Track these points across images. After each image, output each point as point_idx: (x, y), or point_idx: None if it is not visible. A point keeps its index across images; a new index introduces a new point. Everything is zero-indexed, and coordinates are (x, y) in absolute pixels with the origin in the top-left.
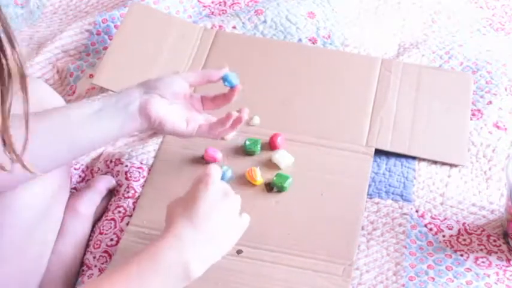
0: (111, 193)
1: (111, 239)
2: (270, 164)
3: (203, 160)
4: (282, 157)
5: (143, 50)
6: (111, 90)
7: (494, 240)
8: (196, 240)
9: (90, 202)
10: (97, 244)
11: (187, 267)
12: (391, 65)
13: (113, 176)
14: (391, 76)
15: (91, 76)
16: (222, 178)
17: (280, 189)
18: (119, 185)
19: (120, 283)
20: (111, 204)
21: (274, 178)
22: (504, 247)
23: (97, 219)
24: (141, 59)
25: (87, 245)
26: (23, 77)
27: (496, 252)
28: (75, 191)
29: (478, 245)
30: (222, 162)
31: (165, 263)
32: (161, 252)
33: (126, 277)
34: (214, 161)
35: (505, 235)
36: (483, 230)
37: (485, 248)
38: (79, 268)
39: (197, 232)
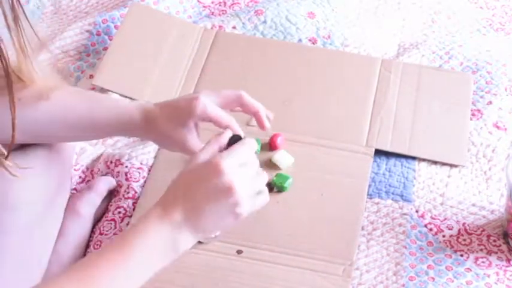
0: (112, 194)
1: (112, 240)
2: (270, 164)
3: None
4: (282, 157)
5: (143, 50)
6: (111, 91)
7: (494, 241)
8: (187, 227)
9: (90, 203)
10: (97, 244)
11: (176, 247)
12: (391, 65)
13: (113, 177)
14: (391, 76)
15: (91, 77)
16: None
17: (281, 189)
18: (119, 185)
19: (104, 265)
20: (111, 205)
21: (274, 178)
22: (504, 247)
23: (97, 220)
24: (141, 59)
25: (87, 246)
26: (8, 77)
27: (496, 253)
28: (75, 192)
29: (478, 245)
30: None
31: (152, 244)
32: (149, 234)
33: (112, 258)
34: None
35: (505, 235)
36: (483, 230)
37: (485, 248)
38: None
39: (189, 220)
